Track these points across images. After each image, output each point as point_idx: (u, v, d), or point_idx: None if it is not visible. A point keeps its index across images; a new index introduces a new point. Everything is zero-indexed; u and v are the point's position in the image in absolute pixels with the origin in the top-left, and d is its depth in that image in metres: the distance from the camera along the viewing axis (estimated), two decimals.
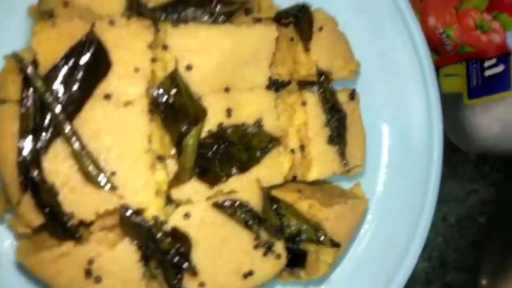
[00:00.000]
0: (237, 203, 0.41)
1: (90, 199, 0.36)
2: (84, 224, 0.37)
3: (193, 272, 0.37)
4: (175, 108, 0.39)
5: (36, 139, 0.34)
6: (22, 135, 0.34)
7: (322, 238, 0.44)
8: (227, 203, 0.40)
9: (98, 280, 0.36)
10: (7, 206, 0.38)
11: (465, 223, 0.73)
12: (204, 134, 0.40)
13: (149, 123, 0.38)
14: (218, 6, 0.41)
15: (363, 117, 0.50)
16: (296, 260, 0.44)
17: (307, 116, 0.46)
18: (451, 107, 0.69)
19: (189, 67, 0.39)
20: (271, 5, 0.49)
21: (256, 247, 0.41)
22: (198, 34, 0.40)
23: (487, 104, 0.64)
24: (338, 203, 0.47)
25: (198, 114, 0.39)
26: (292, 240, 0.43)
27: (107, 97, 0.37)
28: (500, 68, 0.61)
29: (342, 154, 0.47)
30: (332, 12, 0.49)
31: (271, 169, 0.44)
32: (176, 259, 0.37)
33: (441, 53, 0.66)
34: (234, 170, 0.41)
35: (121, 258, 0.37)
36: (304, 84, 0.49)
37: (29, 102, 0.34)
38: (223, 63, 0.41)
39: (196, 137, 0.38)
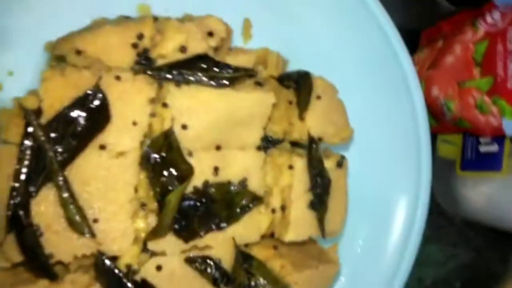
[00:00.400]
0: (209, 259, 0.43)
1: (70, 243, 0.38)
2: (62, 263, 0.39)
3: None
4: (165, 164, 0.41)
5: (28, 183, 0.36)
6: (17, 177, 0.36)
7: None
8: (199, 259, 0.42)
9: None
10: None
11: (441, 286, 0.74)
12: (189, 189, 0.42)
13: (138, 174, 0.40)
14: (223, 72, 0.42)
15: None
16: None
17: (292, 179, 0.48)
18: (445, 172, 0.70)
19: (184, 127, 0.41)
20: (278, 64, 0.51)
21: None
22: (198, 95, 0.42)
23: (477, 179, 0.65)
24: (310, 267, 0.48)
25: (186, 172, 0.41)
26: None
27: (102, 147, 0.39)
28: (494, 148, 0.62)
29: (320, 219, 0.49)
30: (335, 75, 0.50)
31: (248, 227, 0.46)
32: None
33: (440, 121, 0.67)
34: (212, 227, 0.43)
35: None
36: (296, 144, 0.50)
37: (28, 147, 0.36)
38: (217, 123, 0.43)
39: (178, 195, 0.40)
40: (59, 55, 0.40)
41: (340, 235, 0.54)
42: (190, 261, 0.42)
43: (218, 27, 0.44)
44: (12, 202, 0.36)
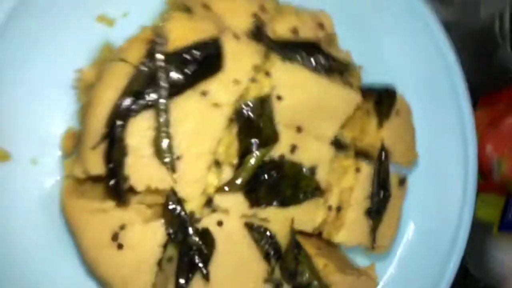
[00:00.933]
0: (267, 232, 0.42)
1: (149, 172, 0.38)
2: (132, 191, 0.39)
3: (206, 277, 0.38)
4: (253, 125, 0.42)
5: (133, 102, 0.37)
6: (124, 93, 0.37)
7: None
8: (258, 228, 0.42)
9: (119, 247, 0.37)
10: (72, 148, 0.41)
11: None
12: (266, 157, 0.42)
13: (225, 129, 0.42)
14: (323, 60, 0.45)
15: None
16: None
17: (355, 183, 0.49)
18: (479, 233, 0.70)
19: (279, 97, 0.43)
20: (359, 77, 0.53)
21: (266, 281, 0.42)
22: (298, 74, 0.44)
23: None
24: (352, 274, 0.48)
25: (270, 139, 0.42)
26: None
27: (203, 93, 0.40)
28: None
29: (373, 230, 0.49)
30: None
31: (306, 215, 0.46)
32: (196, 258, 0.38)
33: (487, 179, 0.68)
34: (275, 202, 0.43)
35: (148, 236, 0.38)
36: (359, 154, 0.52)
37: (143, 70, 0.38)
38: (306, 105, 0.45)
39: (260, 157, 0.41)
40: (183, 4, 0.43)
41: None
42: (249, 226, 0.42)
43: (328, 22, 0.47)
44: (112, 115, 0.37)
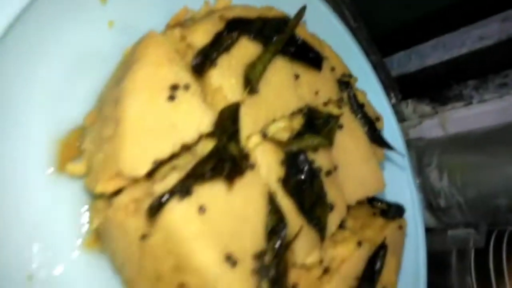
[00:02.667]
0: (283, 215, 0.37)
1: (231, 77, 0.38)
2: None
3: (229, 181, 0.33)
4: (315, 127, 0.44)
5: (257, 33, 0.42)
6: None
7: None
8: (276, 204, 0.37)
9: (170, 98, 0.33)
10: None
11: None
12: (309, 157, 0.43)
13: (292, 111, 0.43)
14: (375, 133, 0.53)
15: None
16: None
17: (351, 255, 0.46)
18: None
19: (340, 126, 0.48)
20: None
21: (255, 257, 0.34)
22: (357, 127, 0.51)
23: None
24: None
25: (326, 142, 0.44)
26: None
27: (296, 76, 0.45)
28: None
29: None
30: None
31: (307, 241, 0.41)
32: (228, 163, 0.33)
33: None
34: (295, 200, 0.40)
35: (197, 115, 0.34)
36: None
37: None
38: (350, 153, 0.49)
39: (316, 142, 0.42)
40: None
41: None
42: (270, 197, 0.37)
43: (382, 122, 0.57)
44: (237, 21, 0.41)
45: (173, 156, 0.33)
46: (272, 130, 0.42)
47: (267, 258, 0.35)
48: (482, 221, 0.77)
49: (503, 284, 0.71)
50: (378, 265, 0.48)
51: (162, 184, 0.32)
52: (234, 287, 0.32)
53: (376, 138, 0.53)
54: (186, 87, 0.34)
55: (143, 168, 0.31)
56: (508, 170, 0.70)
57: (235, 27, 0.40)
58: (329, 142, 0.44)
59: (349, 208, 0.49)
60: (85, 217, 0.37)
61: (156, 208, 0.29)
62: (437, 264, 0.78)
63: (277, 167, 0.39)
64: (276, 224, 0.37)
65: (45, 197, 0.36)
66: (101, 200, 0.35)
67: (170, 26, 0.41)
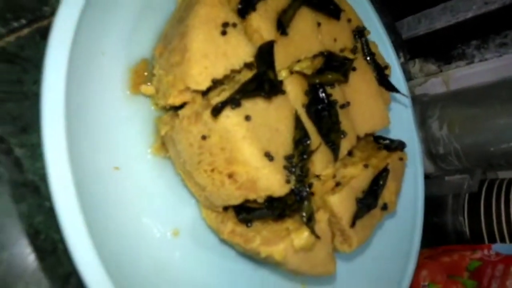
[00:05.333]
0: (306, 130, 0.48)
1: (266, 20, 0.47)
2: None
3: (267, 97, 0.43)
4: (332, 68, 0.54)
5: None
6: None
7: (309, 221, 0.45)
8: (301, 121, 0.48)
9: (223, 33, 0.42)
10: None
11: None
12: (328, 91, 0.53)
13: (313, 54, 0.53)
14: (384, 80, 0.62)
15: None
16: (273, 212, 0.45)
17: (359, 174, 0.56)
18: None
19: (353, 68, 0.57)
20: None
21: (286, 158, 0.44)
22: (369, 71, 0.60)
23: None
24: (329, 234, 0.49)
25: (342, 79, 0.54)
26: (296, 195, 0.45)
27: (318, 24, 0.54)
28: None
29: (356, 216, 0.53)
30: None
31: (324, 157, 0.51)
32: (267, 85, 0.43)
33: None
34: (314, 123, 0.50)
35: (244, 45, 0.44)
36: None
37: None
38: (361, 93, 0.58)
39: (335, 76, 0.52)
40: None
41: None
42: (297, 117, 0.47)
43: (389, 71, 0.66)
44: None
45: (223, 79, 0.43)
46: (298, 67, 0.51)
47: (294, 160, 0.45)
48: (477, 168, 0.87)
49: (491, 225, 0.81)
50: (381, 182, 0.58)
51: (218, 98, 0.42)
52: (270, 175, 0.42)
53: (384, 81, 0.62)
54: (234, 25, 0.44)
55: (205, 84, 0.41)
56: (501, 121, 0.79)
57: None
58: (345, 79, 0.54)
59: (358, 139, 0.59)
60: (153, 129, 0.48)
61: (217, 111, 0.39)
62: (435, 206, 0.88)
63: (302, 95, 0.49)
64: (301, 137, 0.47)
65: (122, 113, 0.47)
66: (168, 114, 0.46)
67: None
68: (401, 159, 0.64)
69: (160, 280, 0.44)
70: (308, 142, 0.47)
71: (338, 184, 0.54)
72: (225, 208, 0.48)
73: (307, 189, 0.46)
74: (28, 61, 0.44)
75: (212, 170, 0.43)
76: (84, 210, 0.36)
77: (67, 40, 0.39)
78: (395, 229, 0.73)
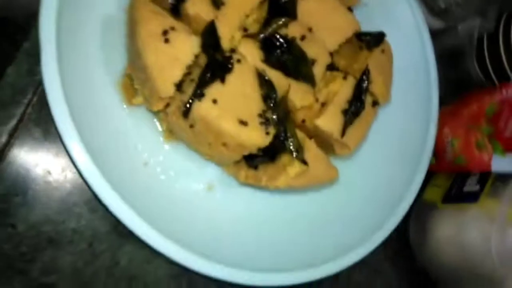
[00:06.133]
0: (270, 83, 0.55)
1: (201, 4, 0.52)
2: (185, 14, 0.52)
3: (222, 80, 0.51)
4: (280, 7, 0.57)
5: None
6: None
7: (299, 153, 0.56)
8: (265, 77, 0.55)
9: (165, 41, 0.50)
10: None
11: None
12: (282, 32, 0.57)
13: (259, 2, 0.56)
14: None
15: None
16: (270, 154, 0.56)
17: (340, 87, 0.62)
18: (425, 211, 0.81)
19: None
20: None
21: (259, 115, 0.54)
22: None
23: (453, 212, 0.77)
24: (322, 153, 0.60)
25: (290, 16, 0.57)
26: (281, 136, 0.55)
27: None
28: (476, 188, 0.76)
29: (345, 126, 0.61)
30: None
31: (299, 92, 0.59)
32: (219, 69, 0.51)
33: (440, 159, 0.82)
34: (279, 68, 0.57)
35: (189, 42, 0.51)
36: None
37: None
38: (319, 16, 0.61)
39: (282, 22, 0.56)
40: None
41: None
42: (259, 75, 0.55)
43: None
44: None
45: (187, 74, 0.52)
46: (242, 33, 0.56)
47: (267, 114, 0.54)
48: (490, 7, 0.82)
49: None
50: (363, 85, 0.63)
51: (185, 95, 0.51)
52: (250, 135, 0.53)
53: None
54: (172, 28, 0.50)
55: (171, 90, 0.50)
56: None
57: None
58: (294, 16, 0.57)
59: (334, 53, 0.63)
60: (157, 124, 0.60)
61: (187, 111, 0.50)
62: (450, 57, 0.88)
63: (258, 52, 0.55)
64: (267, 91, 0.55)
65: (130, 120, 0.58)
66: (162, 113, 0.57)
67: None
68: (382, 51, 0.67)
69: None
70: (275, 92, 0.55)
71: (323, 104, 0.62)
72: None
73: (286, 132, 0.55)
74: None
75: (210, 144, 0.55)
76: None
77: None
78: (413, 99, 0.79)
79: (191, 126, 0.53)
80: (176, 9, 0.51)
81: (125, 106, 0.58)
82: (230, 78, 0.52)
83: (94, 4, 0.55)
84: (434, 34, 0.84)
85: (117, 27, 0.56)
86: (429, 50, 0.77)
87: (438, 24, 0.87)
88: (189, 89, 0.52)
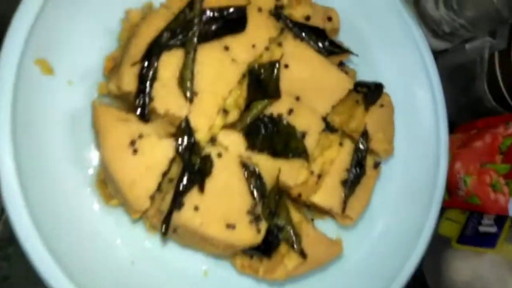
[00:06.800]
0: (256, 172, 0.50)
1: (171, 98, 0.46)
2: (154, 113, 0.47)
3: (201, 188, 0.45)
4: (261, 83, 0.50)
5: (169, 38, 0.46)
6: (165, 30, 0.46)
7: (295, 244, 0.51)
8: (250, 167, 0.49)
9: (134, 152, 0.45)
10: (110, 70, 0.49)
11: None
12: (267, 112, 0.51)
13: (237, 82, 0.50)
14: (327, 44, 0.55)
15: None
16: (265, 250, 0.51)
17: (337, 155, 0.57)
18: (440, 247, 0.76)
19: (286, 66, 0.52)
20: (354, 75, 0.63)
21: (248, 212, 0.49)
22: (305, 51, 0.53)
23: (469, 253, 0.72)
24: (322, 234, 0.55)
25: (273, 95, 0.51)
26: (274, 229, 0.51)
27: (226, 48, 0.49)
28: (493, 229, 0.70)
29: (345, 198, 0.56)
30: None
31: (291, 171, 0.53)
32: (197, 173, 0.45)
33: (452, 196, 0.76)
34: (267, 151, 0.51)
35: (160, 148, 0.46)
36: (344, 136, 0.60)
37: (182, 15, 0.47)
38: (307, 79, 0.54)
39: (263, 106, 0.49)
40: None
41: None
42: (243, 164, 0.49)
43: (336, 17, 0.57)
44: (151, 45, 0.46)
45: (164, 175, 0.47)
46: (228, 105, 0.50)
47: (257, 208, 0.49)
48: (501, 27, 0.73)
49: None
50: (362, 148, 0.57)
51: (164, 203, 0.46)
52: (241, 237, 0.48)
53: (330, 49, 0.55)
54: (140, 136, 0.45)
55: (145, 204, 0.45)
56: None
57: (151, 53, 0.45)
58: (277, 94, 0.51)
59: (327, 115, 0.57)
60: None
61: (167, 221, 0.45)
62: (458, 77, 0.80)
63: (240, 140, 0.50)
64: (255, 182, 0.49)
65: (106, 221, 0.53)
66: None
67: (107, 70, 0.49)
68: (381, 105, 0.60)
69: None
70: (262, 182, 0.49)
71: (320, 176, 0.56)
72: None
73: (279, 223, 0.50)
74: None
75: (197, 244, 0.51)
76: None
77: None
78: (419, 131, 0.72)
79: (174, 230, 0.49)
80: (143, 112, 0.45)
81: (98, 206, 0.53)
82: (211, 180, 0.47)
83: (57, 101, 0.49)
84: (439, 53, 0.76)
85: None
86: (436, 85, 0.69)
87: (443, 45, 0.79)
88: (169, 190, 0.47)
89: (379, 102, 0.60)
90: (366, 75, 0.64)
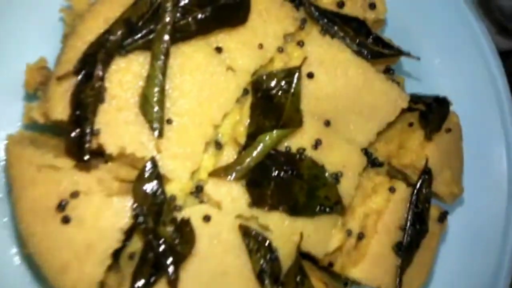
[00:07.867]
0: (266, 243, 0.32)
1: (127, 130, 0.29)
2: (100, 154, 0.29)
3: (172, 284, 0.27)
4: (272, 103, 0.33)
5: (126, 35, 0.29)
6: (116, 23, 0.29)
7: None
8: (255, 234, 0.31)
9: (64, 220, 0.27)
10: (39, 86, 0.32)
11: None
12: (281, 146, 0.33)
13: (235, 100, 0.32)
14: (371, 41, 0.36)
15: None
16: None
17: (386, 206, 0.38)
18: None
19: (310, 75, 0.34)
20: (403, 85, 0.45)
21: None
22: (337, 53, 0.36)
23: None
24: None
25: (291, 122, 0.33)
26: None
27: (218, 49, 0.32)
28: None
29: (400, 271, 0.37)
30: None
31: (319, 234, 0.35)
32: (167, 255, 0.27)
33: None
34: (282, 207, 0.33)
35: (108, 213, 0.28)
36: (394, 176, 0.42)
37: (148, 1, 0.30)
38: (341, 94, 0.36)
39: (276, 140, 0.31)
40: None
41: None
42: (245, 231, 0.31)
43: (381, 4, 0.39)
44: (95, 48, 0.28)
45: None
46: (222, 136, 0.32)
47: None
48: None
49: None
50: (424, 193, 0.39)
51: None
52: None
53: (375, 50, 0.37)
54: (74, 194, 0.27)
55: None
56: None
57: (93, 59, 0.28)
58: (297, 118, 0.33)
59: (369, 146, 0.39)
60: None
61: None
62: None
63: (240, 192, 0.32)
64: (264, 258, 0.31)
65: None
66: None
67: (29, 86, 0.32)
68: (448, 130, 0.41)
69: None
70: (276, 261, 0.31)
71: (361, 236, 0.38)
72: None
73: None
74: None
75: None
76: None
77: None
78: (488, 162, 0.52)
79: None
80: (81, 153, 0.28)
81: None
82: (193, 263, 0.29)
83: None
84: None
85: None
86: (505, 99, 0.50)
87: (506, 45, 0.60)
88: (129, 269, 0.30)
89: (446, 126, 0.41)
90: (415, 85, 0.46)
